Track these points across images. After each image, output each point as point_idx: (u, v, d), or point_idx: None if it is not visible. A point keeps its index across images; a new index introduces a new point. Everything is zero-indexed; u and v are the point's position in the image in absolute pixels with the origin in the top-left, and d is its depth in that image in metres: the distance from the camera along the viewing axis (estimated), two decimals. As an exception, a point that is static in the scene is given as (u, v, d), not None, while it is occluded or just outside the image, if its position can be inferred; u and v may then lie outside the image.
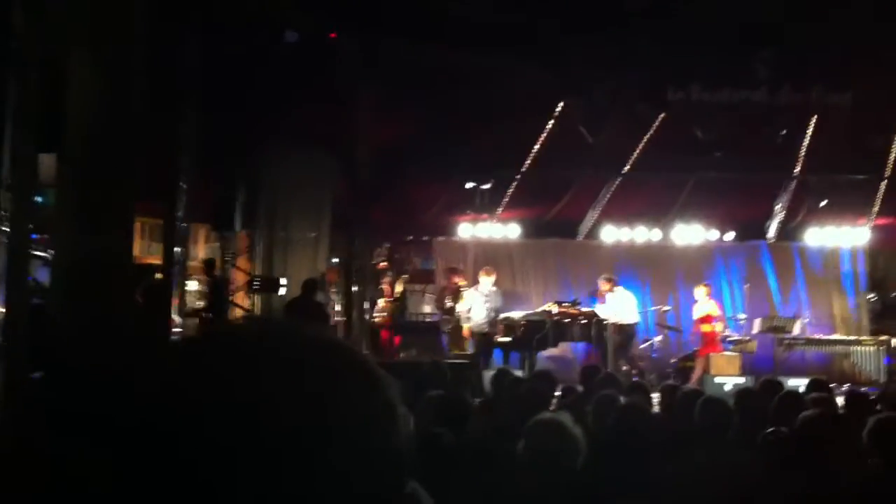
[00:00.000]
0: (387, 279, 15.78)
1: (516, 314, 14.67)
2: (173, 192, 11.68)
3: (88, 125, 6.17)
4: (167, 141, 11.53)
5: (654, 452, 4.98)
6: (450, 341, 14.80)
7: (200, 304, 13.87)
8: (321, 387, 0.89)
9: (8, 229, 6.93)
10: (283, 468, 0.86)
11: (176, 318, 11.84)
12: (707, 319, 14.89)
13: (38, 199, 9.06)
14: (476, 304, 14.64)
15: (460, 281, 15.36)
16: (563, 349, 14.96)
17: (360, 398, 0.91)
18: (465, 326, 14.74)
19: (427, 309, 16.81)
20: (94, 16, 6.17)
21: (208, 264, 13.74)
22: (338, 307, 15.32)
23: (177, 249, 11.91)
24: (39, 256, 9.63)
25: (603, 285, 15.06)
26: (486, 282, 14.82)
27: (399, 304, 15.57)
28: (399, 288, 15.77)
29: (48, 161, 8.74)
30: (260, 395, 0.87)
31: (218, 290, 13.37)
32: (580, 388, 8.52)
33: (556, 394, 8.39)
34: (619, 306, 14.76)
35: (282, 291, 13.33)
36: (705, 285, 15.26)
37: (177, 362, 0.93)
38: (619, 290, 15.03)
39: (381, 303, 15.34)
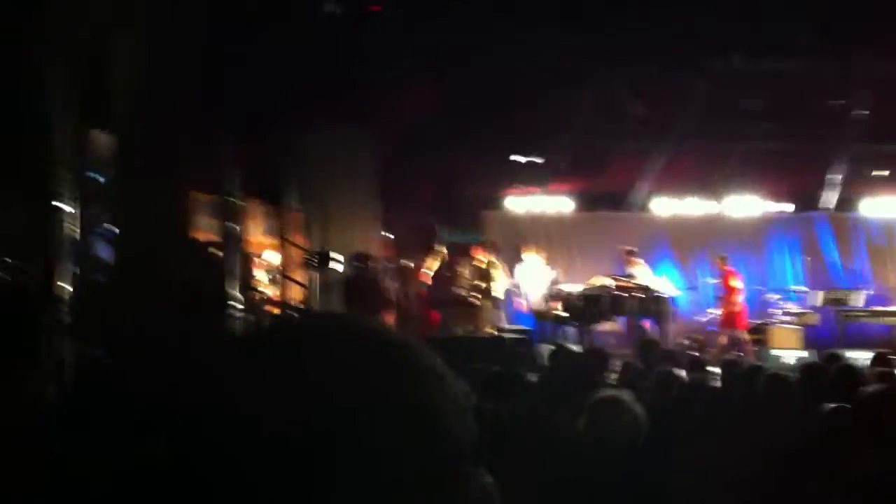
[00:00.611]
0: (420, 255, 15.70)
1: (573, 288, 14.57)
2: (228, 169, 11.73)
3: (134, 103, 6.21)
4: (219, 118, 11.58)
5: (714, 429, 4.90)
6: (469, 317, 14.64)
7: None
8: (375, 389, 0.90)
9: (68, 207, 7.04)
10: (319, 476, 0.87)
11: (236, 293, 11.92)
12: (733, 291, 14.67)
13: (97, 176, 9.15)
14: (529, 280, 14.55)
15: (482, 255, 15.19)
16: (618, 324, 14.84)
17: (418, 395, 0.92)
18: (522, 302, 14.69)
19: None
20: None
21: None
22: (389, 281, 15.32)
23: (234, 226, 11.95)
24: (102, 233, 9.74)
25: (627, 259, 14.85)
26: (535, 258, 14.70)
27: (438, 278, 15.53)
28: (435, 263, 15.69)
29: (105, 139, 8.83)
30: (305, 399, 0.88)
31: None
32: (640, 364, 8.43)
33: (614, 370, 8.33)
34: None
35: (336, 266, 13.34)
36: (721, 257, 15.02)
37: (221, 365, 0.94)
38: (640, 263, 14.82)
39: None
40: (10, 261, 7.70)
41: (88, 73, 6.63)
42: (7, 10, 6.72)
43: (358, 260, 12.55)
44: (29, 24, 6.57)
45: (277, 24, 12.45)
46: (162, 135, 6.60)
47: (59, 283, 6.89)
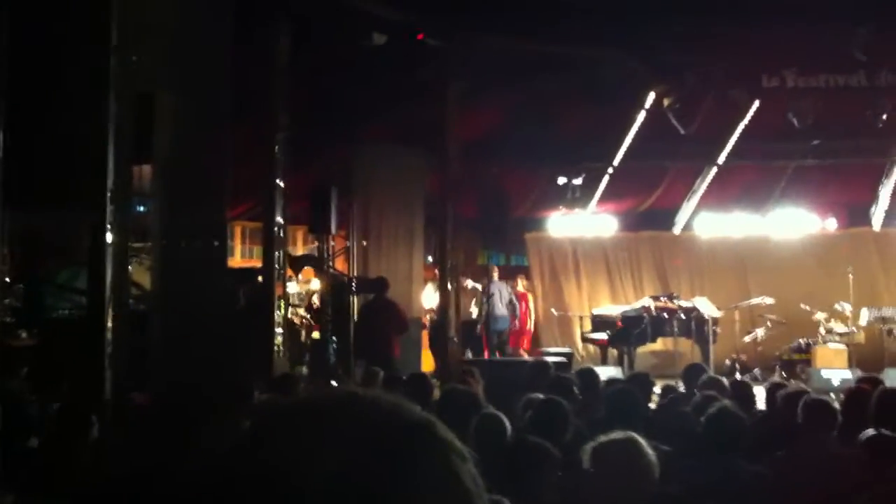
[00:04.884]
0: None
1: (613, 310, 14.55)
2: (271, 196, 11.90)
3: (176, 138, 6.37)
4: (262, 146, 11.76)
5: (745, 456, 4.88)
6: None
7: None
8: (396, 472, 0.89)
9: (116, 237, 7.22)
10: None
11: (278, 319, 12.07)
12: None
13: (141, 208, 9.34)
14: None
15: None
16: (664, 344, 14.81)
17: (441, 479, 0.91)
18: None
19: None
20: (180, 54, 6.35)
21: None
22: (433, 304, 15.42)
23: (277, 252, 12.12)
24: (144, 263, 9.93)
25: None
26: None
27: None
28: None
29: (147, 171, 9.04)
30: (327, 482, 0.88)
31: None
32: (681, 388, 8.42)
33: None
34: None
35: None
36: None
37: (246, 440, 0.93)
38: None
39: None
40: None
41: (136, 112, 6.84)
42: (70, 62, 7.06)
43: (377, 285, 12.71)
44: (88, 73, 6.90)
45: (323, 52, 12.63)
46: (202, 166, 6.73)
47: (107, 314, 7.07)
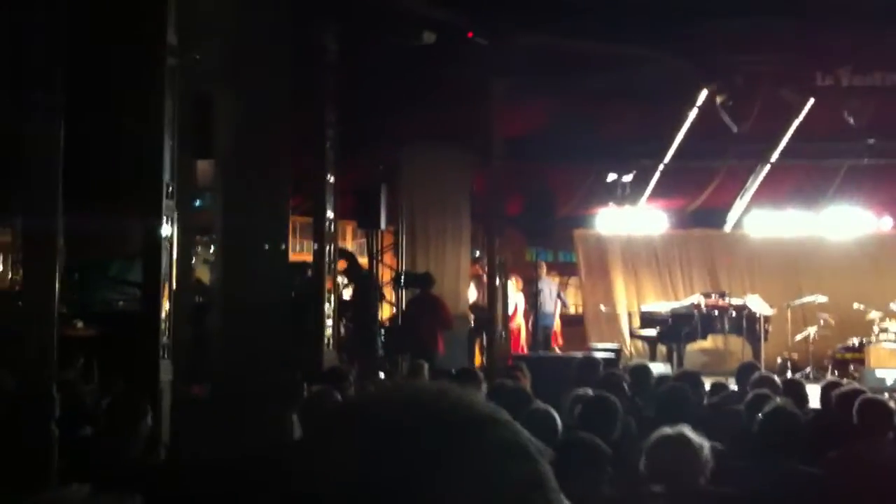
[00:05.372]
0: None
1: (663, 307, 14.46)
2: (322, 191, 11.99)
3: (234, 135, 6.47)
4: (311, 142, 11.84)
5: (801, 456, 4.84)
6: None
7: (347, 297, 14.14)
8: (458, 466, 0.89)
9: (173, 230, 7.34)
10: None
11: (328, 312, 12.15)
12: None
13: (198, 202, 9.47)
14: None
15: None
16: (714, 342, 14.70)
17: (508, 475, 0.92)
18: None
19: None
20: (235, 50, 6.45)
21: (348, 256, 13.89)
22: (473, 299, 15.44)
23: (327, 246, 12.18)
24: (202, 256, 10.04)
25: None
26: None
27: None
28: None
29: (205, 166, 9.15)
30: (388, 473, 0.88)
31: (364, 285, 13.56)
32: (732, 386, 8.35)
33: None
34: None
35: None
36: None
37: (313, 434, 0.97)
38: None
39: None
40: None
41: (194, 111, 6.94)
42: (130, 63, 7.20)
43: (422, 280, 12.74)
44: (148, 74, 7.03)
45: (369, 50, 12.68)
46: (261, 161, 6.83)
47: (163, 306, 7.18)
